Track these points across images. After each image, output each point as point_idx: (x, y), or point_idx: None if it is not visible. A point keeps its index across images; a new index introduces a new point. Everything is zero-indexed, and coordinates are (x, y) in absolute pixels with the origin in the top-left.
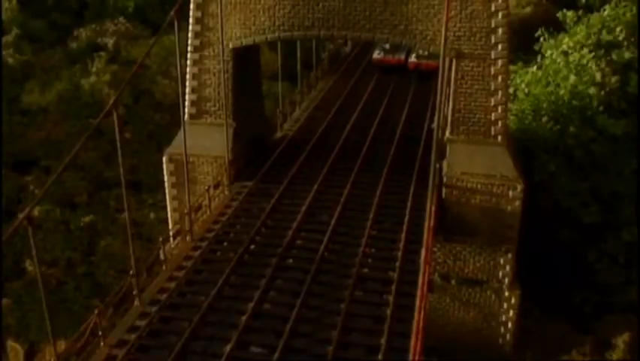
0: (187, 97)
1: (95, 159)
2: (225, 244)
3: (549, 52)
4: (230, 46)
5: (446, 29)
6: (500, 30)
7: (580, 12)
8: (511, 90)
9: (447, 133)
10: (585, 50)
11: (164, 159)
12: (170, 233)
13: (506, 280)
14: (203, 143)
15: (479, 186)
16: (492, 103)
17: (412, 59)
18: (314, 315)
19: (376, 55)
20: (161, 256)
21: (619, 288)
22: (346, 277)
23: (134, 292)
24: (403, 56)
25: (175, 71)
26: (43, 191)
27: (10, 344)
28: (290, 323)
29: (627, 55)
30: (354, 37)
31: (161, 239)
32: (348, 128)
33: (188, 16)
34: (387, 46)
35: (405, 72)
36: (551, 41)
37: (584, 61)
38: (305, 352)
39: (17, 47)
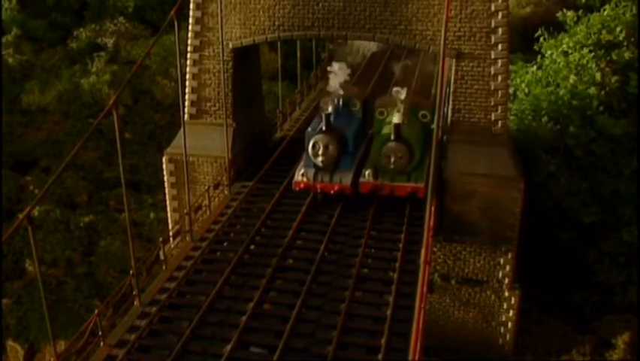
0: (187, 97)
1: (95, 159)
2: (225, 244)
3: (549, 52)
4: (230, 46)
5: (446, 29)
6: (500, 30)
7: (580, 12)
8: (511, 90)
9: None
10: (585, 50)
11: (163, 159)
12: (170, 233)
13: (506, 280)
14: (203, 143)
15: (479, 186)
16: (492, 103)
17: (366, 177)
18: (314, 315)
19: (299, 176)
20: (161, 257)
21: (619, 288)
22: (346, 277)
23: (134, 293)
24: (348, 178)
25: (175, 71)
26: (43, 191)
27: (10, 344)
28: (290, 323)
29: (627, 55)
30: (354, 37)
31: (161, 239)
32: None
33: (188, 16)
34: (319, 159)
35: None
36: (551, 41)
37: (584, 61)
38: (305, 352)
39: (17, 46)
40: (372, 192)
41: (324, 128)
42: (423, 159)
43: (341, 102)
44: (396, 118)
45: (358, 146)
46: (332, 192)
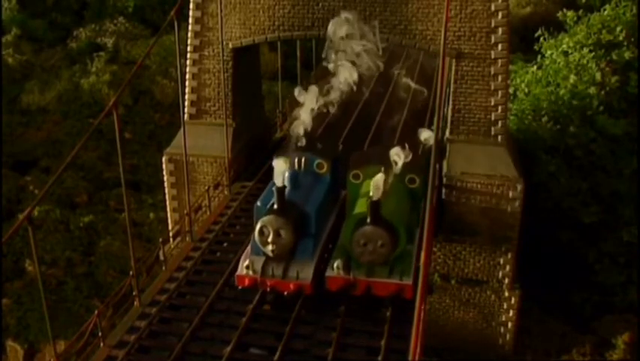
0: (187, 97)
1: (95, 159)
2: (225, 244)
3: (549, 52)
4: (230, 46)
5: (446, 29)
6: (500, 30)
7: (580, 12)
8: (511, 90)
9: (447, 133)
10: (585, 50)
11: (163, 159)
12: (170, 233)
13: (506, 280)
14: (203, 143)
15: (479, 186)
16: (492, 103)
17: (335, 270)
18: (314, 317)
19: (243, 269)
20: (161, 257)
21: (619, 288)
22: None
23: (134, 293)
24: (308, 273)
25: (175, 71)
26: (43, 191)
27: (10, 344)
28: (289, 325)
29: (627, 55)
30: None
31: (161, 240)
32: (348, 126)
33: (188, 16)
34: (269, 248)
35: None
36: (551, 41)
37: (584, 61)
38: (305, 353)
39: (17, 46)
40: (343, 289)
41: (275, 206)
42: (411, 241)
43: (303, 163)
44: (374, 191)
45: (325, 221)
46: (286, 292)
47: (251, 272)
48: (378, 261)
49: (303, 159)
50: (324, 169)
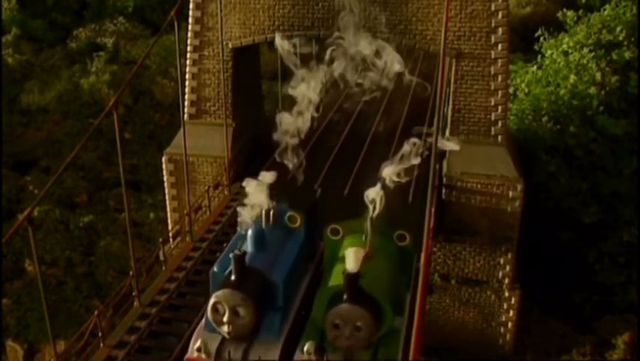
0: (187, 97)
1: (95, 159)
2: (225, 244)
3: (549, 52)
4: (230, 46)
5: (446, 29)
6: (500, 30)
7: (580, 12)
8: (511, 90)
9: (446, 133)
10: (585, 50)
11: (163, 159)
12: (170, 233)
13: (506, 280)
14: (203, 143)
15: (479, 186)
16: (492, 103)
17: (305, 355)
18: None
19: (194, 351)
20: (161, 257)
21: (619, 288)
22: None
23: (134, 293)
24: (274, 355)
25: (175, 71)
26: (43, 192)
27: (10, 344)
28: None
29: (627, 55)
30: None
31: (160, 240)
32: (348, 127)
33: (188, 16)
34: (224, 328)
35: None
36: (551, 41)
37: (584, 61)
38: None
39: (17, 47)
40: None
41: (232, 277)
42: (400, 313)
43: (271, 216)
44: (350, 261)
45: (296, 288)
46: None
47: (203, 355)
48: (356, 346)
49: (271, 212)
50: (298, 223)
